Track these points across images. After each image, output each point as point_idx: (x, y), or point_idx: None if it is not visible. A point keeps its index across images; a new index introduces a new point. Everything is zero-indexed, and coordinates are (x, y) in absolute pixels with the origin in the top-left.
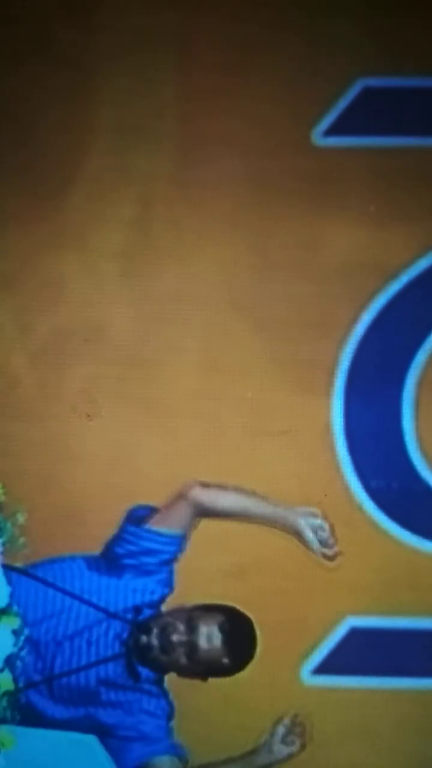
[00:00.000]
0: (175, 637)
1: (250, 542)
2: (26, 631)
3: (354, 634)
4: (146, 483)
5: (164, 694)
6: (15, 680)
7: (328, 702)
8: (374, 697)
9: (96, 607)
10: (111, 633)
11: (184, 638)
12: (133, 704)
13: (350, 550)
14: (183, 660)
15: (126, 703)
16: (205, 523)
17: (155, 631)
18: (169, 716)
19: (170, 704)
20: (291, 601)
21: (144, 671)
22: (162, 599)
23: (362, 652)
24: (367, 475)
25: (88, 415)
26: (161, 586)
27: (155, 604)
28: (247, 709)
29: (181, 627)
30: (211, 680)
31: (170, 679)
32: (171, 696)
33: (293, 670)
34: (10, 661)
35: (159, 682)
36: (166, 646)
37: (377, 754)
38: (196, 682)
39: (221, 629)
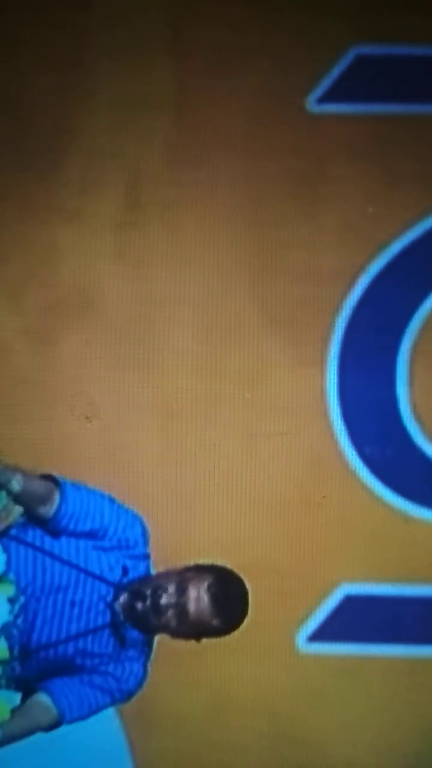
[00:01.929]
0: (164, 600)
1: (245, 510)
2: (22, 599)
3: (348, 601)
4: (145, 484)
5: (145, 656)
6: (10, 648)
7: (324, 668)
8: (369, 663)
9: (78, 568)
10: (96, 595)
11: (173, 600)
12: (100, 667)
13: (344, 517)
14: (173, 622)
15: (95, 666)
16: (200, 492)
17: (146, 594)
18: (134, 684)
19: (144, 669)
20: (285, 569)
21: (132, 633)
22: (145, 555)
23: (357, 619)
24: (361, 441)
25: (87, 417)
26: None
27: (139, 558)
28: (243, 678)
29: (171, 589)
30: (209, 650)
31: (167, 647)
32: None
33: (289, 637)
34: (5, 629)
35: (145, 644)
36: (157, 609)
37: (372, 719)
38: (193, 651)
39: (210, 591)
